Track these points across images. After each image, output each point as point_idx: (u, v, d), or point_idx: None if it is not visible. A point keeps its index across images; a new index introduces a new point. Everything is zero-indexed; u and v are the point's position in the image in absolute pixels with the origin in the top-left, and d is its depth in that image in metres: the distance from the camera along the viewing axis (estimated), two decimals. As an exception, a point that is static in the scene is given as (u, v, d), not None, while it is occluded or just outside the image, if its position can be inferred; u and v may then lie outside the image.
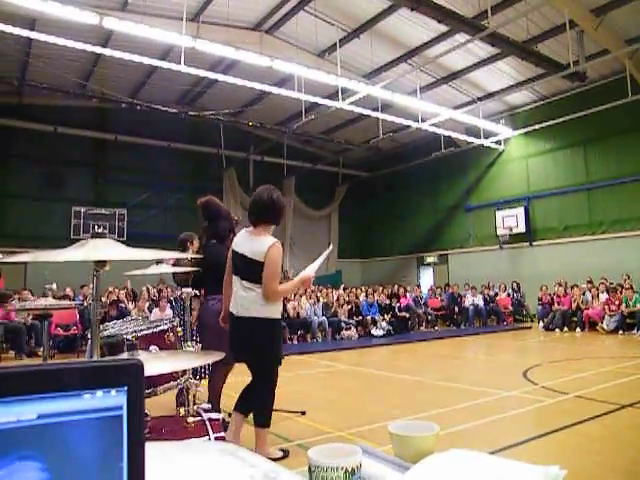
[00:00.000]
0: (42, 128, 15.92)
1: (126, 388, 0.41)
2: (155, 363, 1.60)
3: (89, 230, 16.77)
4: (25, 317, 10.01)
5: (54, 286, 10.64)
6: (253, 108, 16.81)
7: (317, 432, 4.27)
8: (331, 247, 3.94)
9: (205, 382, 4.18)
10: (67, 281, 12.04)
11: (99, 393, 0.40)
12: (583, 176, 15.27)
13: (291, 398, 5.37)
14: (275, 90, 13.12)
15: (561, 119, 14.75)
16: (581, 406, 4.88)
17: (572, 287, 13.39)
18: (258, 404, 3.39)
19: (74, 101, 15.72)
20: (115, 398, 0.41)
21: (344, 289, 14.52)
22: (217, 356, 1.76)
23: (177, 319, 3.03)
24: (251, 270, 3.31)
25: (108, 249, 1.28)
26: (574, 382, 6.08)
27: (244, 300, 3.33)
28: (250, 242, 3.38)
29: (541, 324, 13.46)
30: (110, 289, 11.02)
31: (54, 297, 9.98)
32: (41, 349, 9.82)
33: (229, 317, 3.45)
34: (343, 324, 12.30)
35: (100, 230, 1.37)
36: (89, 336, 10.48)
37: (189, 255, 3.86)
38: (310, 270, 3.48)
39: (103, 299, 11.37)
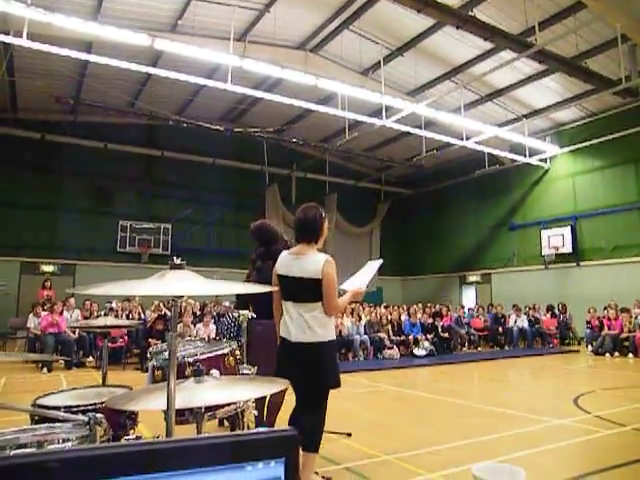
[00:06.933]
0: (92, 144, 16.54)
1: (284, 459, 0.41)
2: (226, 391, 1.59)
3: (134, 244, 17.20)
4: (72, 329, 10.34)
5: (114, 305, 10.94)
6: (296, 125, 17.02)
7: (364, 455, 4.21)
8: (380, 261, 3.71)
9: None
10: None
11: (260, 465, 0.41)
12: (634, 195, 14.77)
13: (335, 418, 5.28)
14: (319, 108, 13.23)
15: (612, 136, 14.35)
16: (641, 440, 4.64)
17: (622, 310, 12.86)
18: (310, 428, 3.20)
19: (123, 118, 16.27)
20: (274, 469, 0.41)
21: (385, 307, 14.38)
22: (284, 384, 1.75)
23: (236, 342, 3.02)
24: (308, 290, 3.13)
25: (187, 282, 1.27)
26: (632, 412, 5.79)
27: (303, 324, 3.14)
28: (299, 263, 3.17)
29: (589, 348, 12.96)
30: (156, 302, 11.17)
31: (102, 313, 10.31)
32: (88, 359, 10.30)
33: (281, 342, 3.28)
34: (387, 342, 12.15)
35: (179, 261, 1.37)
36: (135, 350, 10.73)
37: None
38: (360, 283, 3.38)
39: (148, 312, 11.62)
